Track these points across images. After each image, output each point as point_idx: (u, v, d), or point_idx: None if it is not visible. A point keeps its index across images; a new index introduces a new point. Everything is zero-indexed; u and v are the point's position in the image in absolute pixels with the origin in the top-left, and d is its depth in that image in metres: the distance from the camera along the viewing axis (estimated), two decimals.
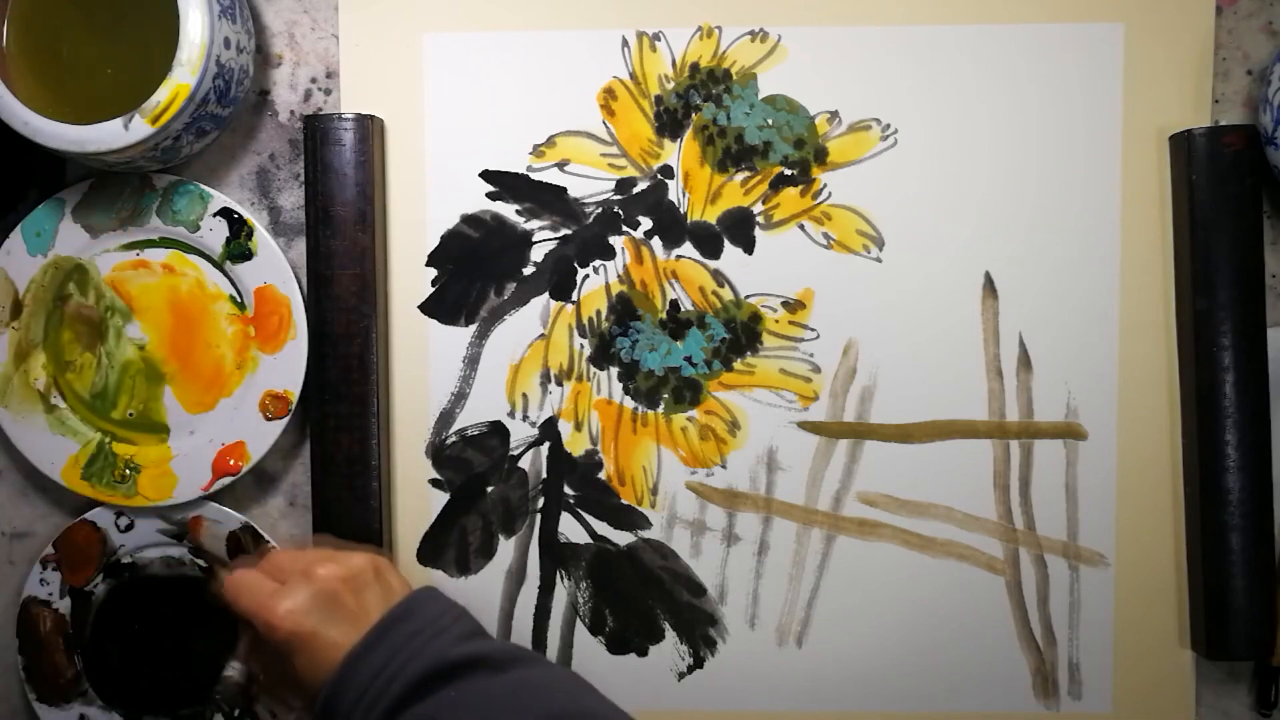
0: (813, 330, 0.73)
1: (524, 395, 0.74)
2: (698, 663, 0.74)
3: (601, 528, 0.74)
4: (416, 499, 0.74)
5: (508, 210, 0.74)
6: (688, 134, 0.73)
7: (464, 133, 0.73)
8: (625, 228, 0.74)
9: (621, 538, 0.74)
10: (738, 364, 0.74)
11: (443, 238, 0.74)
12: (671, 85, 0.73)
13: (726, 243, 0.73)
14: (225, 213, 0.71)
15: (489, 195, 0.73)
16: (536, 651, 0.74)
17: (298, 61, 0.74)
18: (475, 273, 0.74)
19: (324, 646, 0.57)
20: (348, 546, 0.64)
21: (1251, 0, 0.72)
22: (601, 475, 0.74)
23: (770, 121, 0.73)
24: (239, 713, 0.73)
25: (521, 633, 0.74)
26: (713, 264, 0.73)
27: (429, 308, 0.74)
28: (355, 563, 0.60)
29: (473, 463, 0.74)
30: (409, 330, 0.74)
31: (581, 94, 0.73)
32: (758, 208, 0.73)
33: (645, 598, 0.74)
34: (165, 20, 0.65)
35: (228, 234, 0.71)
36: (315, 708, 0.57)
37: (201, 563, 0.73)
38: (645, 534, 0.74)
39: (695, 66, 0.73)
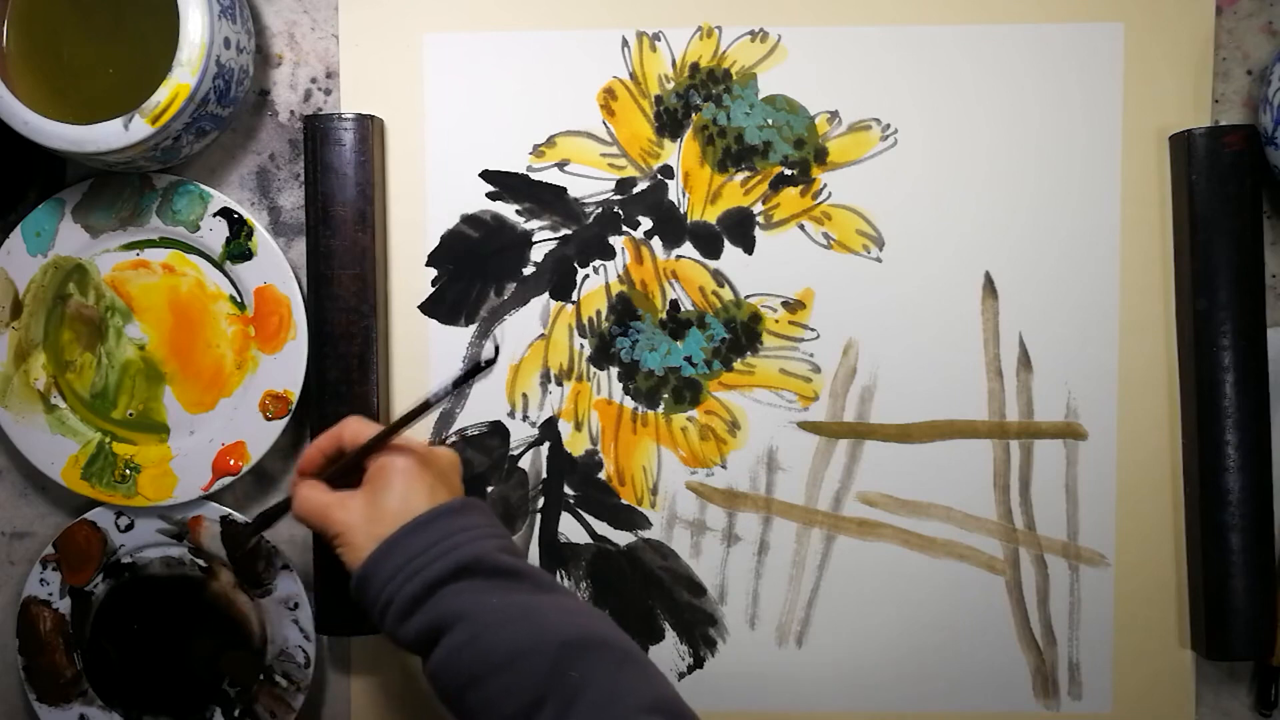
0: (813, 330, 0.73)
1: (524, 395, 0.74)
2: (698, 663, 0.74)
3: (601, 528, 0.74)
4: None
5: (508, 210, 0.73)
6: (688, 134, 0.73)
7: (464, 133, 0.73)
8: (625, 228, 0.73)
9: (621, 538, 0.74)
10: (738, 364, 0.74)
11: (443, 238, 0.74)
12: (671, 85, 0.73)
13: (726, 243, 0.73)
14: (225, 213, 0.71)
15: (489, 195, 0.73)
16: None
17: (298, 61, 0.74)
18: (475, 273, 0.74)
19: (425, 489, 0.60)
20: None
21: (1251, 0, 0.72)
22: (601, 475, 0.74)
23: (770, 121, 0.73)
24: (239, 712, 0.73)
25: None
26: (713, 264, 0.73)
27: (429, 308, 0.74)
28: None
29: (473, 463, 0.74)
30: (409, 330, 0.74)
31: (581, 94, 0.73)
32: (758, 208, 0.73)
33: (645, 598, 0.74)
34: (165, 20, 0.65)
35: (228, 234, 0.71)
36: (363, 563, 0.59)
37: (201, 563, 0.73)
38: (645, 534, 0.74)
39: (695, 66, 0.73)
